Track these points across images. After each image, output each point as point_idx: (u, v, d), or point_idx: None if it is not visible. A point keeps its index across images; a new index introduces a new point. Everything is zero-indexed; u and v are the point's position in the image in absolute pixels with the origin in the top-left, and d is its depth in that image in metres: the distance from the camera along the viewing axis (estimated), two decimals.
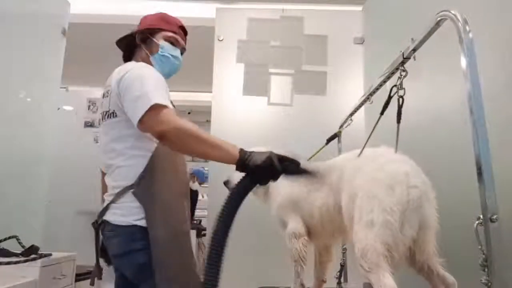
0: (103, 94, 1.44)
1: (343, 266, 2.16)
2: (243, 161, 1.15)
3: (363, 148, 1.49)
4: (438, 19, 1.18)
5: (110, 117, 1.37)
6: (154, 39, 1.54)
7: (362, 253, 1.22)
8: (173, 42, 1.55)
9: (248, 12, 3.19)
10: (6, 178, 2.36)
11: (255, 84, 3.03)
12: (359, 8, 3.21)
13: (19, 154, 2.50)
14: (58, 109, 3.22)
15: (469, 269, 1.19)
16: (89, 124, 4.86)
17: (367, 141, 1.52)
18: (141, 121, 1.22)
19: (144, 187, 1.30)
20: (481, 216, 0.98)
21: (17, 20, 2.54)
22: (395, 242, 1.21)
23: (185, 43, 1.62)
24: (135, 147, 1.33)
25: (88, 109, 4.91)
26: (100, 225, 1.38)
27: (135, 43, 1.57)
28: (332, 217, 1.57)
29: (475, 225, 1.00)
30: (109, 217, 1.34)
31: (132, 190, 1.30)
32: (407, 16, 2.31)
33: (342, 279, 2.16)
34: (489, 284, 0.96)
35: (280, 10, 3.20)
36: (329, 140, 2.17)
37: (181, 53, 1.60)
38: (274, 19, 3.18)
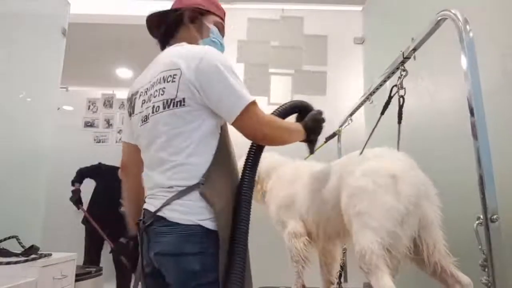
0: (163, 79, 1.22)
1: (343, 266, 2.15)
2: (308, 135, 1.41)
3: (363, 148, 1.49)
4: (439, 18, 1.18)
5: (176, 106, 1.19)
6: (205, 22, 1.40)
7: (360, 255, 1.22)
8: (220, 29, 1.44)
9: (248, 12, 3.19)
10: (6, 178, 2.36)
11: (255, 84, 3.03)
12: (359, 8, 3.21)
13: (19, 154, 2.50)
14: (58, 109, 3.22)
15: (469, 269, 1.20)
16: (89, 124, 4.87)
17: (367, 141, 1.52)
18: (237, 120, 1.18)
19: (211, 186, 1.18)
20: (481, 216, 0.98)
21: (17, 20, 2.54)
22: (393, 243, 1.20)
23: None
24: (202, 143, 1.20)
25: (88, 109, 4.92)
26: (147, 224, 1.22)
27: (178, 21, 1.38)
28: (332, 218, 1.56)
29: (475, 225, 1.00)
30: (166, 213, 1.18)
31: (199, 190, 1.17)
32: (407, 16, 2.31)
33: (342, 279, 2.16)
34: (490, 284, 0.96)
35: (280, 10, 3.20)
36: (328, 139, 2.17)
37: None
38: (274, 19, 3.18)
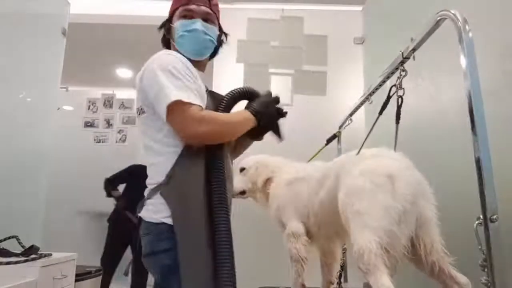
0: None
1: (343, 266, 2.15)
2: (259, 119, 1.31)
3: (361, 147, 1.49)
4: (438, 18, 1.18)
5: (140, 114, 1.31)
6: (172, 25, 1.39)
7: (358, 254, 1.22)
8: (186, 16, 1.36)
9: (248, 12, 3.19)
10: (6, 178, 2.35)
11: (255, 84, 3.01)
12: (359, 8, 3.21)
13: (19, 154, 2.50)
14: (58, 109, 3.22)
15: (469, 269, 1.19)
16: (89, 124, 4.87)
17: (365, 140, 1.51)
18: (167, 119, 1.19)
19: (171, 187, 1.21)
20: (481, 216, 0.98)
21: (17, 20, 2.54)
22: (391, 242, 1.20)
23: (210, 7, 1.39)
24: (164, 143, 1.25)
25: (88, 109, 4.92)
26: (140, 222, 1.28)
27: (165, 39, 1.46)
28: (331, 218, 1.56)
29: (475, 225, 1.00)
30: (143, 213, 1.26)
31: (160, 189, 1.22)
32: (407, 16, 2.31)
33: (342, 279, 2.16)
34: (489, 284, 0.96)
35: (280, 10, 3.21)
36: (329, 141, 2.17)
37: (206, 20, 1.38)
38: (274, 19, 3.18)
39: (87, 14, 3.38)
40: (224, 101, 1.34)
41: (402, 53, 1.42)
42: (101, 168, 3.99)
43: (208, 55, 1.44)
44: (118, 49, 4.07)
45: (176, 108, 1.17)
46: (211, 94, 1.41)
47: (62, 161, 3.76)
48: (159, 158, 1.25)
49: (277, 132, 1.40)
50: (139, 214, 1.27)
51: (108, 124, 4.91)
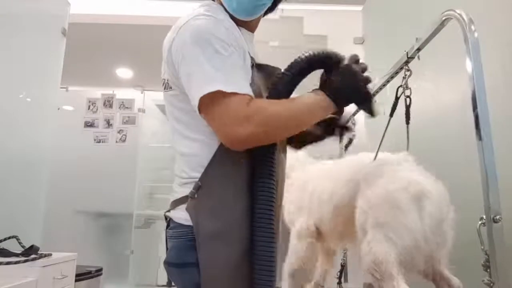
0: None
1: (343, 266, 2.15)
2: (337, 104, 1.02)
3: (377, 153, 1.45)
4: (443, 18, 1.18)
5: (166, 89, 1.04)
6: None
7: (375, 263, 1.18)
8: None
9: None
10: (6, 178, 2.35)
11: None
12: (359, 8, 3.21)
13: (19, 154, 2.50)
14: (58, 109, 3.22)
15: (471, 269, 1.19)
16: (89, 124, 4.86)
17: (379, 145, 1.47)
18: (202, 114, 0.93)
19: (200, 201, 0.96)
20: (484, 216, 0.98)
21: (17, 20, 2.54)
22: (410, 260, 1.18)
23: None
24: (192, 128, 1.00)
25: (88, 109, 4.91)
26: (169, 222, 1.06)
27: None
28: (339, 222, 1.53)
29: (477, 225, 1.00)
30: (172, 213, 1.03)
31: (185, 205, 0.97)
32: (407, 16, 2.31)
33: (342, 279, 2.15)
34: (492, 284, 0.96)
35: (280, 10, 3.20)
36: (346, 147, 2.13)
37: None
38: (274, 19, 3.18)
39: (87, 14, 3.38)
40: (284, 78, 1.04)
41: (407, 52, 1.41)
42: (101, 168, 3.99)
43: (262, 12, 1.11)
44: (118, 49, 4.07)
45: (212, 101, 0.89)
46: (262, 69, 1.13)
47: (62, 161, 3.75)
48: (189, 149, 1.00)
49: (367, 107, 1.10)
50: (168, 214, 1.05)
51: (108, 124, 4.90)
